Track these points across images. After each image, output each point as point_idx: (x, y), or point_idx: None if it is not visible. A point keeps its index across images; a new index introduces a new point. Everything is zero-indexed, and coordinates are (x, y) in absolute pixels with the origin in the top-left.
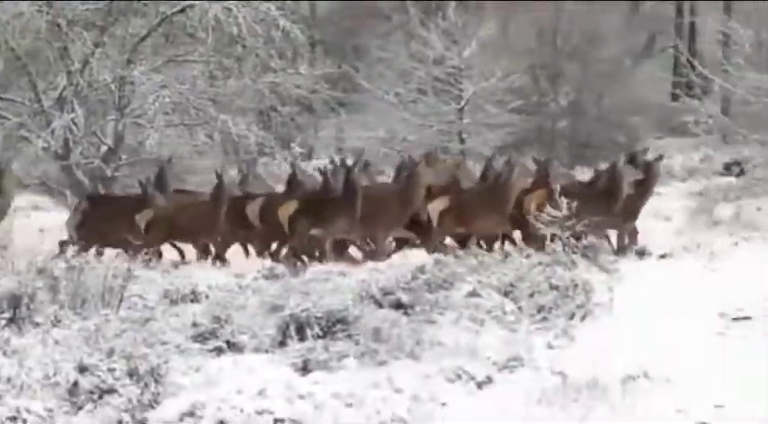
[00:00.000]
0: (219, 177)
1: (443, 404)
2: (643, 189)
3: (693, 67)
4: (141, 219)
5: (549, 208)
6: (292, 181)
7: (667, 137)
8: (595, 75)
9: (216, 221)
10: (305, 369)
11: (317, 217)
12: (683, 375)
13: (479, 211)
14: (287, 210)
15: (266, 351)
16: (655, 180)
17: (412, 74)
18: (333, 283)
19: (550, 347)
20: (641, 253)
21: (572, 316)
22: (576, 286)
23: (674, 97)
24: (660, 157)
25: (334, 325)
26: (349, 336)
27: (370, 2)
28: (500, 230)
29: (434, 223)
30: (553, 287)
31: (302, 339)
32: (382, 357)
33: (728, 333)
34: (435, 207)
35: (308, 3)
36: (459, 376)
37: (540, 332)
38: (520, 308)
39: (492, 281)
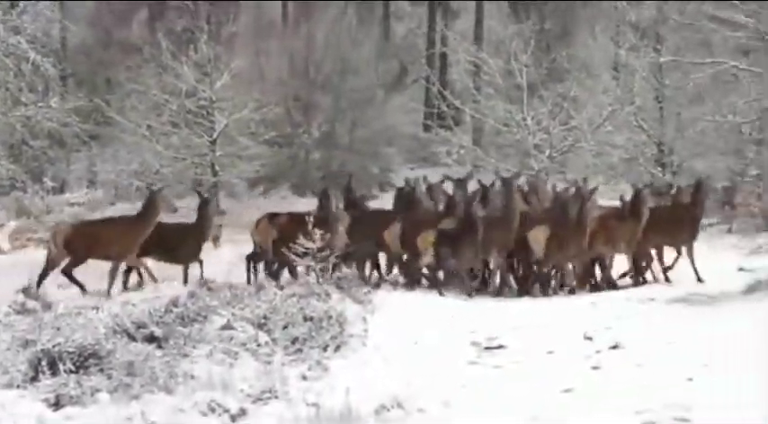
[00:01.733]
0: None
1: None
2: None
3: (444, 98)
4: None
5: (301, 240)
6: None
7: (419, 168)
8: (348, 105)
9: None
10: (57, 404)
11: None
12: (435, 404)
13: None
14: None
15: (18, 387)
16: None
17: (164, 106)
18: (84, 317)
19: (304, 378)
20: (395, 284)
21: (326, 347)
22: (330, 317)
23: (426, 127)
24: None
25: (86, 359)
26: (101, 370)
27: (121, 34)
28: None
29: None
30: (307, 319)
31: (54, 374)
32: (135, 391)
33: (480, 362)
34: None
35: (58, 35)
36: (212, 409)
37: (294, 364)
38: (274, 340)
39: (246, 313)
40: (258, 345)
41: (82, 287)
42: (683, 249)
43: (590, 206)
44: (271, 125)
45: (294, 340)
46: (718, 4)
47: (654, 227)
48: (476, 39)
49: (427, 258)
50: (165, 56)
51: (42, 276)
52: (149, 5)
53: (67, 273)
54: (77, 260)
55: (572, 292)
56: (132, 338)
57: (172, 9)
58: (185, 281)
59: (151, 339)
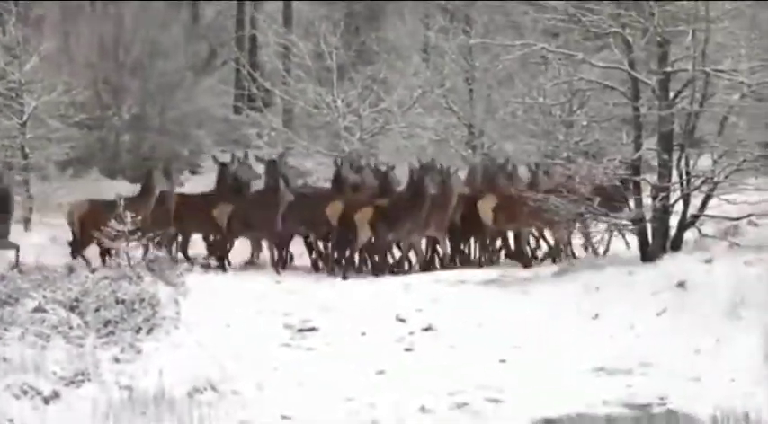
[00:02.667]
0: None
1: (11, 420)
2: None
3: (254, 80)
4: None
5: (113, 223)
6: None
7: (230, 150)
8: (158, 88)
9: None
10: None
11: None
12: (249, 386)
13: None
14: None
15: None
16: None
17: None
18: None
19: (117, 361)
20: (207, 266)
21: (138, 330)
22: (142, 300)
23: (237, 110)
24: None
25: None
26: None
27: None
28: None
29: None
30: (119, 301)
31: None
32: None
33: (293, 344)
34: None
35: None
36: (25, 392)
37: (106, 347)
38: (86, 323)
39: (58, 296)
40: (70, 328)
41: None
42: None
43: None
44: (80, 107)
45: (106, 323)
46: None
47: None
48: (285, 21)
49: (364, 235)
50: None
51: None
52: None
53: None
54: None
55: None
56: None
57: None
58: None
59: None
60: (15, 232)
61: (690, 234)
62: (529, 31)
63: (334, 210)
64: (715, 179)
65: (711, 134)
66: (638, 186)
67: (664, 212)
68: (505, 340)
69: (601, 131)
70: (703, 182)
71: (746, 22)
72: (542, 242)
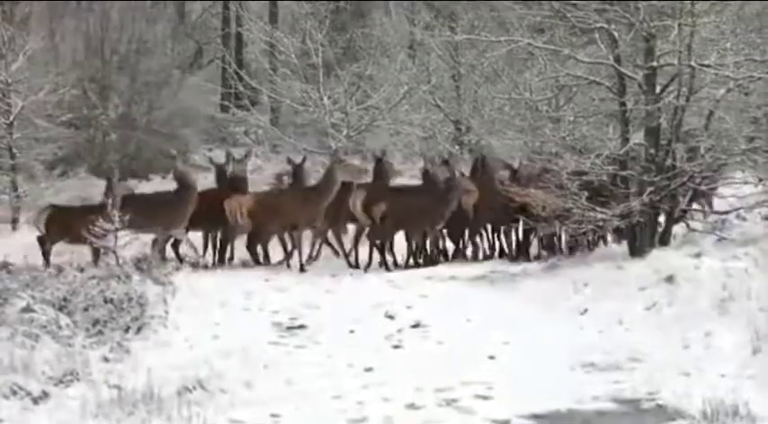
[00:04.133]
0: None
1: None
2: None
3: (241, 78)
4: None
5: (101, 222)
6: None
7: (217, 149)
8: (144, 86)
9: None
10: None
11: None
12: (238, 385)
13: None
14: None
15: None
16: None
17: None
18: None
19: (106, 360)
20: (195, 265)
21: (127, 329)
22: (130, 299)
23: (224, 108)
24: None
25: None
26: None
27: None
28: None
29: None
30: (108, 301)
31: None
32: None
33: (282, 342)
34: None
35: None
36: (14, 392)
37: (95, 346)
38: (75, 322)
39: (46, 296)
40: (59, 327)
41: None
42: None
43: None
44: (67, 106)
45: (95, 322)
46: None
47: None
48: (271, 18)
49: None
50: None
51: None
52: None
53: None
54: None
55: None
56: None
57: None
58: None
59: None
60: (3, 232)
61: (678, 229)
62: (515, 27)
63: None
64: (702, 173)
65: (698, 128)
66: (625, 181)
67: (651, 207)
68: (494, 335)
69: (588, 126)
70: (690, 177)
71: (732, 16)
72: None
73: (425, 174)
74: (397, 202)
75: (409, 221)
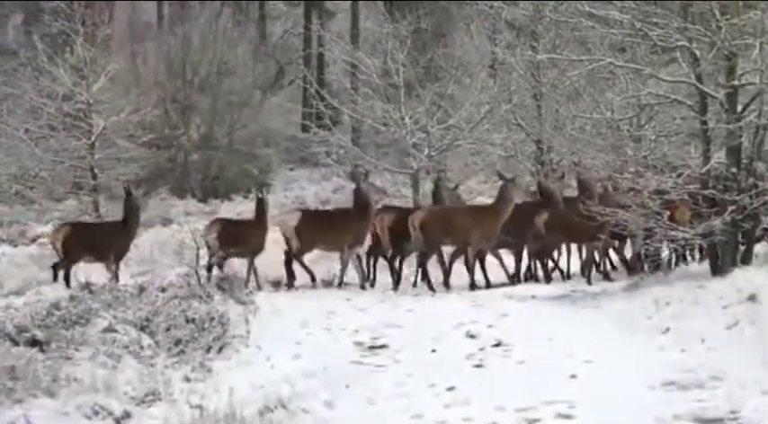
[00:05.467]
0: None
1: None
2: None
3: (322, 98)
4: None
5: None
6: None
7: (299, 169)
8: (225, 107)
9: None
10: None
11: None
12: (319, 404)
13: None
14: None
15: None
16: None
17: (41, 110)
18: None
19: (188, 380)
20: (277, 284)
21: (209, 349)
22: (212, 318)
23: (305, 128)
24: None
25: None
26: None
27: None
28: None
29: None
30: (189, 321)
31: None
32: (18, 395)
33: (364, 361)
34: None
35: None
36: (96, 412)
37: (177, 366)
38: (157, 342)
39: (128, 316)
40: (141, 347)
41: None
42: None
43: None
44: (149, 127)
45: (177, 342)
46: (594, 3)
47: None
48: (352, 38)
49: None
50: (42, 59)
51: None
52: (24, 7)
53: None
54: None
55: None
56: (15, 342)
57: (47, 12)
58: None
59: (33, 342)
60: None
61: (760, 248)
62: (596, 46)
63: None
64: None
65: None
66: (707, 200)
67: (733, 226)
68: (576, 354)
69: (669, 145)
70: None
71: None
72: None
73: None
74: None
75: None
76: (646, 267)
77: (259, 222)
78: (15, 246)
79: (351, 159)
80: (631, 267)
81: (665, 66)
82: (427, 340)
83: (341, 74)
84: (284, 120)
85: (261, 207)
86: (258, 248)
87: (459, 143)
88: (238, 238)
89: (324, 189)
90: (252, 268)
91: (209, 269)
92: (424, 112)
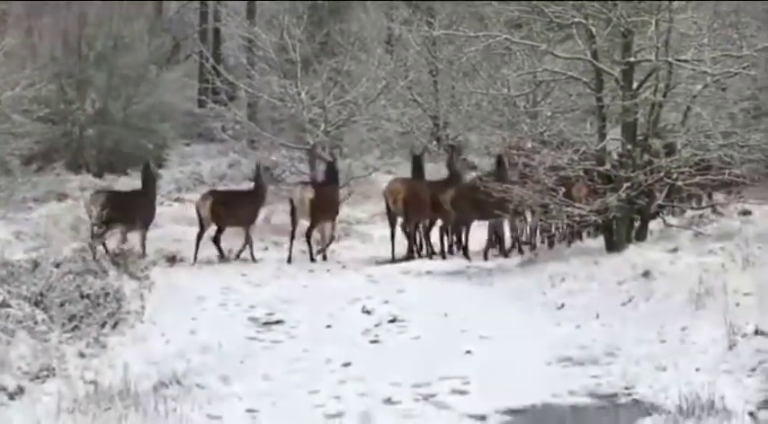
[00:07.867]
0: None
1: None
2: None
3: (218, 74)
4: None
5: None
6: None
7: (195, 144)
8: (122, 81)
9: None
10: None
11: None
12: (214, 379)
13: None
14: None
15: None
16: None
17: None
18: None
19: (82, 355)
20: (172, 259)
21: (103, 324)
22: (107, 294)
23: (201, 103)
24: None
25: None
26: None
27: None
28: None
29: None
30: (84, 296)
31: None
32: None
33: (259, 337)
34: None
35: None
36: None
37: (71, 341)
38: (51, 317)
39: (22, 291)
40: (35, 323)
41: None
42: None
43: None
44: (44, 101)
45: (71, 318)
46: None
47: None
48: (248, 14)
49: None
50: None
51: None
52: None
53: None
54: None
55: None
56: None
57: None
58: None
59: None
60: None
61: (654, 224)
62: (492, 23)
63: None
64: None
65: (675, 124)
66: (602, 176)
67: (628, 202)
68: (471, 330)
69: (565, 122)
70: (667, 173)
71: (709, 12)
72: None
73: None
74: None
75: None
76: (538, 243)
77: (146, 191)
78: None
79: (247, 135)
80: (527, 242)
81: (562, 43)
82: (323, 315)
83: (237, 49)
84: (180, 95)
85: (148, 175)
86: (148, 218)
87: (355, 119)
88: (124, 208)
89: (220, 165)
90: (144, 240)
91: (92, 239)
92: (320, 88)
